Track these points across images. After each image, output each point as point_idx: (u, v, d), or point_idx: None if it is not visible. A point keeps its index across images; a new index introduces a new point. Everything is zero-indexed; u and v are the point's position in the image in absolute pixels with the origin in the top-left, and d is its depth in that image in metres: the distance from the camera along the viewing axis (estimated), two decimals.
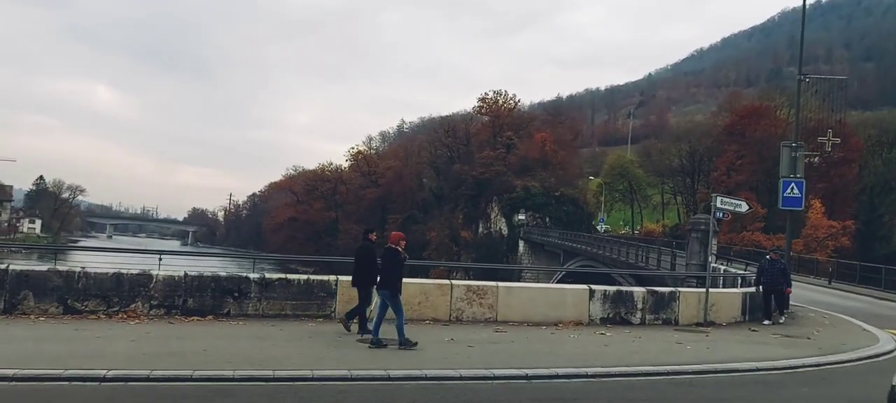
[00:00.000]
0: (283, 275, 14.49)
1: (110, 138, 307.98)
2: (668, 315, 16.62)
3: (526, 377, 9.92)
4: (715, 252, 21.80)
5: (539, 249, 69.15)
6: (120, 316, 12.84)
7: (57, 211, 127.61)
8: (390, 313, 11.69)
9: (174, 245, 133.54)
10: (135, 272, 13.53)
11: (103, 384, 8.39)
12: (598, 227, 72.74)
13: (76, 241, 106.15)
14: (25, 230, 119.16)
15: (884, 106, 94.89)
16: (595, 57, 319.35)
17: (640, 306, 16.33)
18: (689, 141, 75.53)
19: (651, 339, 13.99)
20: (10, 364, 8.60)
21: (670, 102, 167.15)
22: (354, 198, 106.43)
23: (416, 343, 11.31)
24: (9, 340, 10.46)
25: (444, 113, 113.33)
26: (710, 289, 17.42)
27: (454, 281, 15.67)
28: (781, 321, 17.95)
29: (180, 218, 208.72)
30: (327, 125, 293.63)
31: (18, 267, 13.23)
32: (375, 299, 12.43)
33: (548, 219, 77.74)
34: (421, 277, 17.26)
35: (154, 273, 13.62)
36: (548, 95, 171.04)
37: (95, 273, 13.22)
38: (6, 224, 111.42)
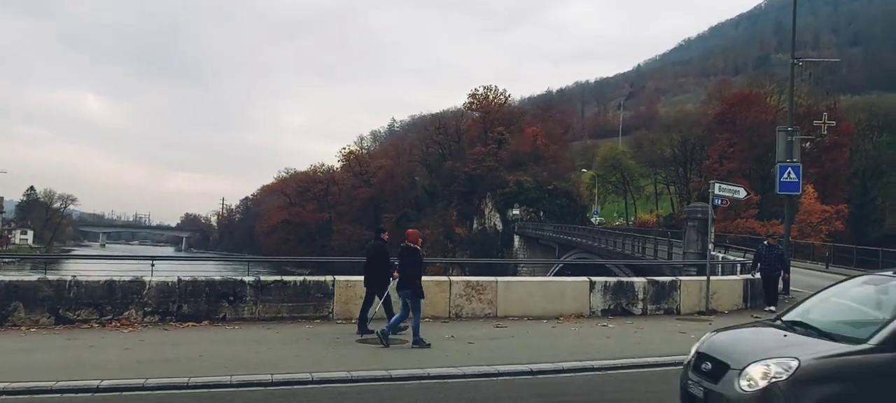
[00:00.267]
0: (278, 277, 14.29)
1: (100, 146, 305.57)
2: (669, 304, 16.48)
3: (530, 372, 9.76)
4: (713, 240, 21.65)
5: (534, 243, 69.04)
6: (113, 324, 12.60)
7: (49, 221, 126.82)
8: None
9: (168, 251, 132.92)
10: (127, 279, 13.28)
11: (97, 394, 8.20)
12: (593, 220, 72.72)
13: (69, 251, 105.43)
14: (17, 241, 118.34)
15: (872, 90, 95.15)
16: (584, 50, 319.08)
17: (641, 296, 16.18)
18: (680, 130, 75.48)
19: (654, 329, 13.87)
20: (1, 378, 8.36)
21: (659, 93, 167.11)
22: (347, 198, 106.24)
23: (429, 344, 11.18)
24: None
25: (435, 110, 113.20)
26: (711, 277, 17.29)
27: (453, 278, 15.49)
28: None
29: (173, 225, 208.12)
30: (319, 126, 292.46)
31: (7, 278, 12.97)
32: (378, 301, 12.31)
33: (542, 213, 77.69)
34: None
35: (147, 279, 13.38)
36: (537, 90, 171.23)
37: (87, 281, 12.97)
38: None
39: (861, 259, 32.98)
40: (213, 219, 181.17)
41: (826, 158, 55.58)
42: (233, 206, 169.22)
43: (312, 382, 8.86)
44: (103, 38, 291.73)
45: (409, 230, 12.46)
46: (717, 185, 17.24)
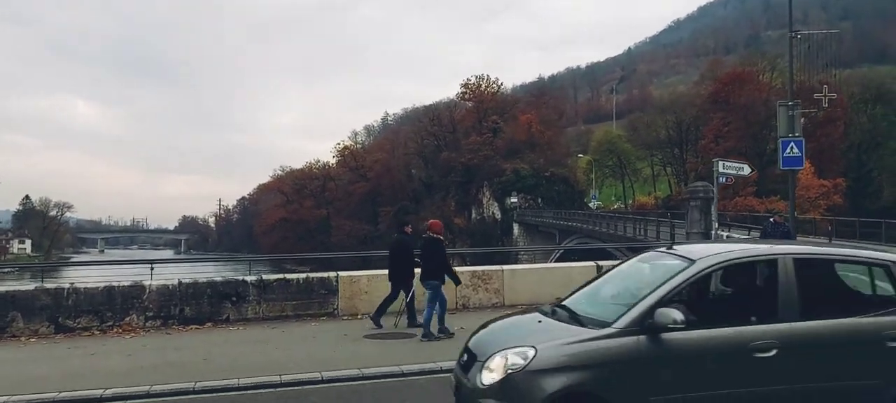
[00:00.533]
0: (281, 276, 14.04)
1: (94, 152, 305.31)
2: None
3: None
4: (716, 218, 21.46)
5: (534, 231, 68.90)
6: (114, 330, 12.35)
7: (46, 229, 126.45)
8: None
9: (167, 254, 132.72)
10: (127, 284, 13.02)
11: None
12: (591, 204, 72.61)
13: (68, 258, 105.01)
14: (16, 251, 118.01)
15: (862, 64, 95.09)
16: (574, 35, 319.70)
17: None
18: (674, 112, 75.32)
19: None
20: (1, 391, 8.12)
21: (651, 75, 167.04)
22: (344, 193, 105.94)
23: (453, 333, 11.03)
24: None
25: (427, 103, 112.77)
26: None
27: (457, 268, 15.24)
28: None
29: (171, 227, 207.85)
30: (313, 123, 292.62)
31: (4, 288, 12.70)
32: (403, 297, 12.15)
33: (540, 200, 77.60)
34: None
35: (147, 283, 13.12)
36: (529, 77, 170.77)
37: (86, 288, 12.70)
38: None
39: (864, 231, 32.84)
40: (211, 221, 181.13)
41: (821, 133, 55.41)
42: (230, 207, 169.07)
43: (322, 381, 8.64)
44: (91, 44, 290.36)
45: (432, 221, 12.27)
46: (721, 163, 17.08)
